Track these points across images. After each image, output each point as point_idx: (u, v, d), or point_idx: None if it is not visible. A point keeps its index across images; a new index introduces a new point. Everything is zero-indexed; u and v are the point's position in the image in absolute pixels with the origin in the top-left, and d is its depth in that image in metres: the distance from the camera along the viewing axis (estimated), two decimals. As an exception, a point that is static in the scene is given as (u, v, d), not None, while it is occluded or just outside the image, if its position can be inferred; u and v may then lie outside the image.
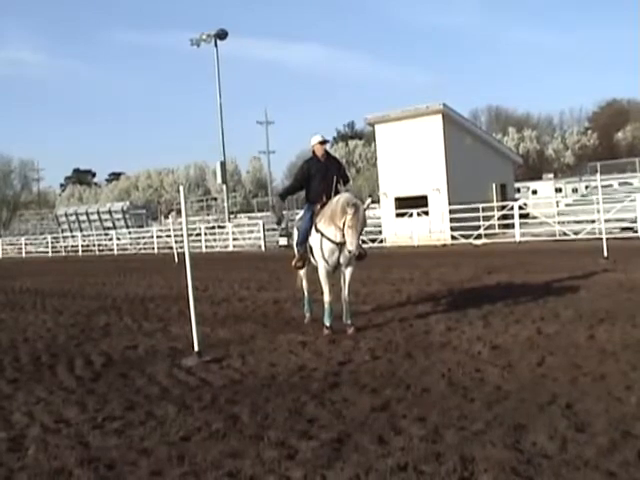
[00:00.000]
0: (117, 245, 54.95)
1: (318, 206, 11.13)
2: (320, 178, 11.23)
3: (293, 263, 11.79)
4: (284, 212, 58.57)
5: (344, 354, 9.18)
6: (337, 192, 11.19)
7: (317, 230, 10.84)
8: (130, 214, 69.52)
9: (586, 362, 7.88)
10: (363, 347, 9.52)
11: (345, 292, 10.94)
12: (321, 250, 10.76)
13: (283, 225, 44.35)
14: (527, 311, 11.56)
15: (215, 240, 48.13)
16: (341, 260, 10.74)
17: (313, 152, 11.54)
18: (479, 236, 33.35)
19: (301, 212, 12.63)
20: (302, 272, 12.06)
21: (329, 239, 10.60)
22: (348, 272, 10.93)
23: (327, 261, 10.77)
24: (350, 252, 10.22)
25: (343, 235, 10.24)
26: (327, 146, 11.68)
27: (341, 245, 10.48)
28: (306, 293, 12.20)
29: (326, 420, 6.30)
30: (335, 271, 11.00)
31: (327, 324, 10.84)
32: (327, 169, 11.29)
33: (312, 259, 11.30)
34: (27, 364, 9.87)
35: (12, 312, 16.08)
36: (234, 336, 11.01)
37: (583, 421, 5.79)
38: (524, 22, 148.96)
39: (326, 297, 10.90)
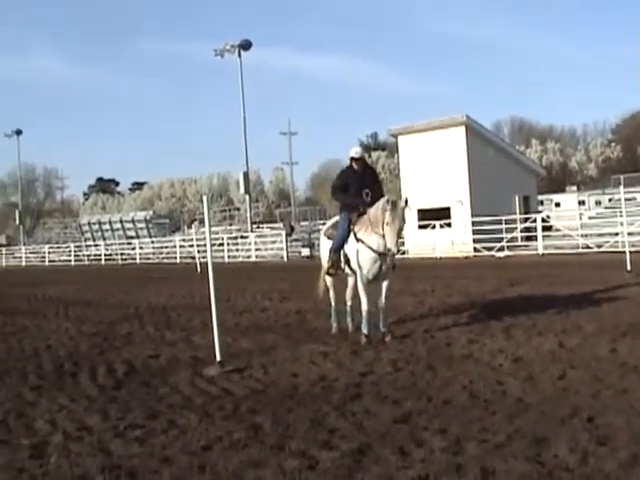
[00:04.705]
0: (140, 254, 55.19)
1: (355, 215, 11.17)
2: (357, 188, 11.26)
3: (325, 269, 11.84)
4: (306, 223, 58.77)
5: (365, 365, 9.16)
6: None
7: (357, 240, 10.87)
8: (153, 223, 69.92)
9: (608, 376, 7.82)
10: (385, 358, 9.50)
11: (382, 300, 10.98)
12: (362, 259, 10.80)
13: (304, 235, 44.52)
14: (549, 324, 11.50)
15: (237, 250, 48.27)
16: (383, 268, 10.79)
17: (350, 162, 11.61)
18: (502, 248, 33.26)
19: (328, 222, 12.70)
20: (329, 282, 12.10)
21: (371, 248, 10.65)
22: (385, 284, 11.01)
23: (368, 271, 10.82)
24: (390, 251, 10.31)
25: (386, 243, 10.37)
26: (358, 151, 11.55)
27: (383, 255, 10.56)
28: (333, 303, 12.20)
29: (347, 431, 6.30)
30: (373, 281, 11.05)
31: (365, 332, 10.84)
32: (363, 179, 11.35)
33: (347, 268, 11.35)
34: (50, 372, 9.91)
35: (35, 320, 16.14)
36: (256, 346, 11.01)
37: (604, 435, 5.75)
38: (548, 34, 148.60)
39: (364, 306, 10.91)
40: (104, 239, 67.39)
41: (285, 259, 43.22)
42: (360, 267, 10.88)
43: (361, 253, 10.81)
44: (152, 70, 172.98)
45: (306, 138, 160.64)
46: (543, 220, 34.40)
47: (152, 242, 59.70)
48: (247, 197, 57.97)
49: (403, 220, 10.38)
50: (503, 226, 33.78)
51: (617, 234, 30.28)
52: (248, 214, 58.01)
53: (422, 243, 36.10)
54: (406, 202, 10.37)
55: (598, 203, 58.20)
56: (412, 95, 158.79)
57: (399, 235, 10.37)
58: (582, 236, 32.93)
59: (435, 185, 36.40)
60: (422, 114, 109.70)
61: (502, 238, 33.57)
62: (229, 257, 46.77)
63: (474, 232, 34.74)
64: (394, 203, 10.30)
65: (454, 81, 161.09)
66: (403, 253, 35.28)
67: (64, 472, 5.66)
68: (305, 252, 42.61)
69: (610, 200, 53.17)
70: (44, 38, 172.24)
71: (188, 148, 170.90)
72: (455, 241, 35.47)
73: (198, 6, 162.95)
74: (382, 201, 10.48)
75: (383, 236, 10.35)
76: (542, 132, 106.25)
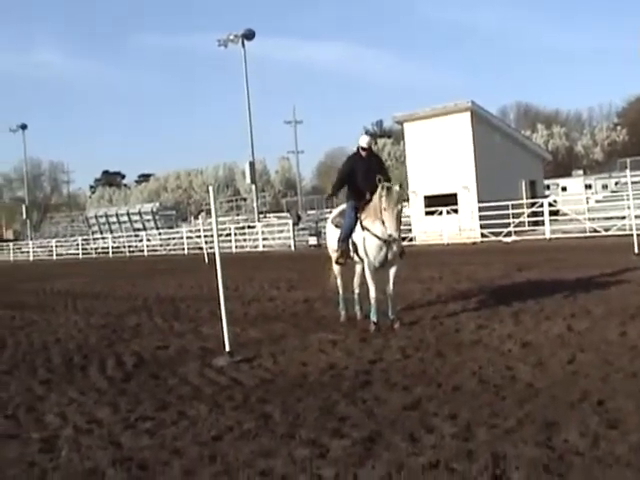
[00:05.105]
0: (147, 246, 55.26)
1: (362, 203, 11.17)
2: (363, 175, 11.26)
3: (335, 258, 11.85)
4: (313, 212, 58.76)
5: (375, 353, 9.16)
6: None
7: (363, 227, 10.92)
8: (160, 215, 70.03)
9: (617, 359, 7.81)
10: (394, 345, 9.50)
11: (390, 287, 11.02)
12: (368, 247, 10.84)
13: (311, 224, 44.48)
14: (558, 308, 11.49)
15: (245, 240, 48.30)
16: (389, 257, 10.82)
17: (357, 149, 11.61)
18: (509, 233, 33.21)
19: (335, 210, 12.70)
20: (337, 270, 12.12)
21: (376, 235, 10.69)
22: (393, 271, 11.04)
23: (374, 258, 10.85)
24: (391, 236, 10.35)
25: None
26: (367, 141, 11.57)
27: (389, 242, 10.61)
28: (340, 292, 12.23)
29: (357, 419, 6.29)
30: (380, 269, 11.06)
31: (374, 320, 10.87)
32: (369, 166, 11.33)
33: (356, 256, 11.37)
34: (59, 365, 9.93)
35: (44, 313, 16.16)
36: (265, 336, 11.02)
37: (615, 418, 5.74)
38: (553, 19, 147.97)
39: (372, 293, 10.94)
40: (111, 232, 67.55)
41: (292, 248, 43.24)
42: (367, 255, 10.90)
43: (367, 241, 10.84)
44: (155, 63, 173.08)
45: (311, 127, 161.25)
46: (550, 205, 34.34)
47: (159, 234, 59.81)
48: (253, 187, 57.87)
49: (399, 202, 10.40)
50: (510, 211, 33.75)
51: (624, 217, 30.20)
52: (255, 204, 57.94)
53: (429, 229, 36.11)
54: (400, 186, 10.41)
55: (605, 187, 58.01)
56: (418, 82, 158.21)
57: (398, 220, 10.39)
58: (589, 220, 32.86)
59: (441, 171, 36.35)
60: (428, 100, 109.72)
61: (509, 223, 33.53)
62: (236, 247, 46.79)
63: (481, 218, 34.69)
64: (388, 189, 10.36)
65: (458, 68, 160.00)
66: (410, 240, 35.28)
67: (75, 465, 5.67)
68: (312, 241, 42.56)
69: (616, 184, 53.02)
70: (45, 33, 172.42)
71: (193, 139, 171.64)
72: (462, 227, 35.43)
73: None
74: (378, 189, 10.54)
75: (383, 222, 10.38)
76: (548, 117, 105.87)
